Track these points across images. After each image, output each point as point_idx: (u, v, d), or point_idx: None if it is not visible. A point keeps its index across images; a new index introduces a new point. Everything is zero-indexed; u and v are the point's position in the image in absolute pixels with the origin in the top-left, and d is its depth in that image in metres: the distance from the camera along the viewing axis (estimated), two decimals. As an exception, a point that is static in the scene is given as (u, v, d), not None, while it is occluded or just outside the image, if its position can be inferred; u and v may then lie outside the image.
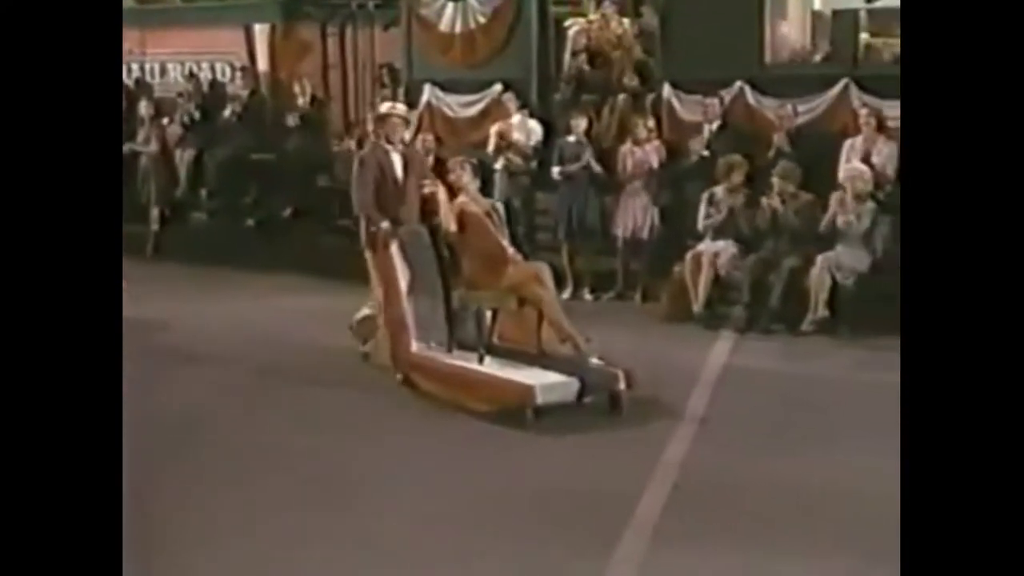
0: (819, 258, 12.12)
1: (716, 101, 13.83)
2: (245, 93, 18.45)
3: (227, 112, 18.23)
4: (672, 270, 13.00)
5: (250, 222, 17.43)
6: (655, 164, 13.82)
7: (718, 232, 12.92)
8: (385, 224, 10.43)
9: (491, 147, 14.80)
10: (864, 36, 14.04)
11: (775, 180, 12.66)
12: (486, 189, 10.95)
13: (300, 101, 17.77)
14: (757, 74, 14.14)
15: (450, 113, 16.20)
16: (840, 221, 12.21)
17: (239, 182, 17.66)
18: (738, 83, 14.07)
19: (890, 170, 12.63)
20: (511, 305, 10.06)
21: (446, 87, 16.25)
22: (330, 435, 8.94)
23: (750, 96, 14.04)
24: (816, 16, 15.04)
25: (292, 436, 8.92)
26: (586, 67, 15.25)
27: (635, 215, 13.83)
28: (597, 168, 14.02)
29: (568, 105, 15.09)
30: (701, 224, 13.07)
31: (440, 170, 11.26)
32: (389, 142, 10.79)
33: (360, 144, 16.44)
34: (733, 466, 8.13)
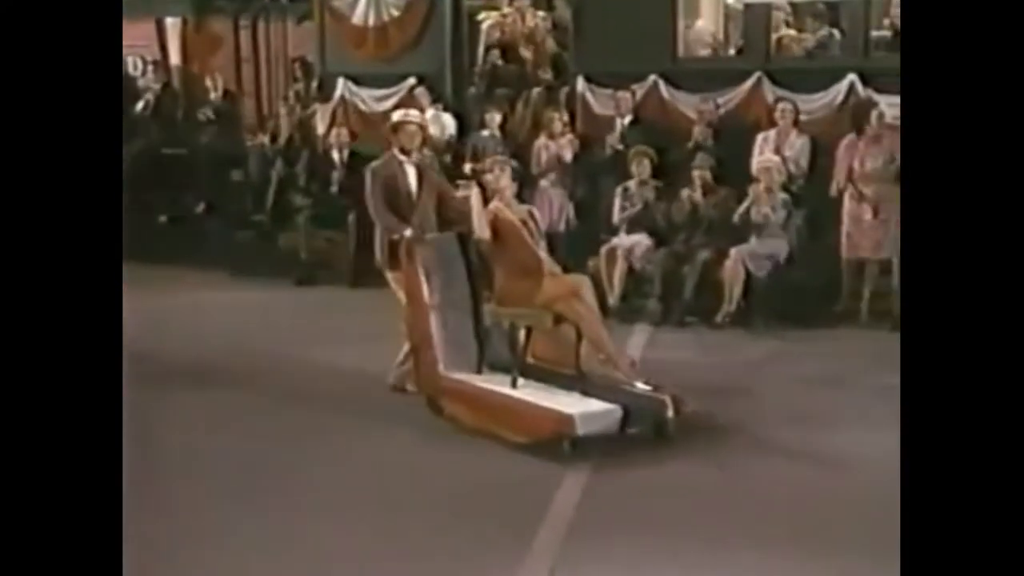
0: (732, 251, 12.19)
1: (628, 95, 13.88)
2: (157, 87, 18.30)
3: (139, 106, 18.07)
4: (587, 264, 13.04)
5: (163, 218, 17.26)
6: (568, 158, 13.84)
7: (633, 225, 12.97)
8: (409, 232, 9.43)
9: (403, 140, 14.76)
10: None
11: (695, 173, 12.72)
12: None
13: (213, 95, 17.66)
14: (670, 68, 14.21)
15: (364, 107, 16.15)
16: (754, 213, 12.29)
17: (151, 177, 17.48)
18: (651, 77, 14.13)
19: (803, 162, 12.76)
20: (546, 323, 9.08)
21: (360, 81, 16.20)
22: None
23: (663, 90, 14.11)
24: (729, 10, 15.16)
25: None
26: (499, 61, 15.26)
27: (550, 209, 13.83)
28: (512, 163, 13.99)
29: (482, 99, 15.10)
30: (616, 218, 13.12)
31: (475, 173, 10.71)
32: (404, 152, 9.83)
33: (275, 139, 16.40)
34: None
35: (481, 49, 15.52)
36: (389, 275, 9.75)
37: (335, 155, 14.91)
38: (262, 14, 18.53)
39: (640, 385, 8.79)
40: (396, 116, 10.18)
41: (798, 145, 12.82)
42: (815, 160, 12.83)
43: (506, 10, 15.48)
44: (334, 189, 14.87)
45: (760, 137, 13.02)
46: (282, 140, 16.57)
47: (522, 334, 9.32)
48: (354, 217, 14.54)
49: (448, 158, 14.59)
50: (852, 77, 13.28)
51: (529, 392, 8.81)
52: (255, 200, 16.33)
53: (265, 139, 16.78)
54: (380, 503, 7.45)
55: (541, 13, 15.45)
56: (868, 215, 12.19)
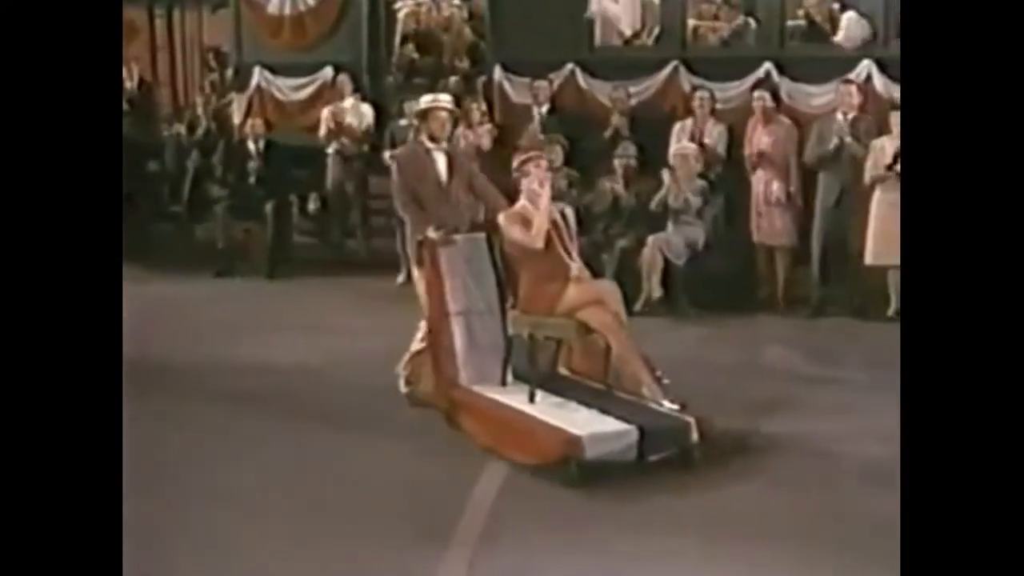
0: (650, 238, 12.23)
1: (546, 84, 13.89)
2: (70, 77, 18.07)
3: (52, 96, 17.84)
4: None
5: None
6: (486, 147, 13.81)
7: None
8: (432, 232, 8.82)
9: (322, 131, 14.72)
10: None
11: (617, 163, 12.76)
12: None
13: (128, 85, 17.45)
14: (587, 57, 14.23)
15: (281, 96, 16.06)
16: (672, 201, 12.34)
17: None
18: (569, 65, 14.15)
19: (720, 150, 12.83)
20: (569, 333, 8.45)
21: (276, 70, 16.10)
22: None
23: (580, 78, 14.13)
24: (646, -1, 15.21)
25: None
26: (415, 54, 15.25)
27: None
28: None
29: (400, 88, 15.06)
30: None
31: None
32: (433, 140, 9.18)
33: (192, 129, 16.26)
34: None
35: (398, 38, 15.48)
36: (416, 272, 9.20)
37: (251, 145, 14.77)
38: (177, 3, 18.37)
39: (667, 404, 8.02)
40: (424, 102, 9.44)
41: (715, 133, 12.89)
42: (732, 148, 12.90)
43: (423, -1, 15.46)
44: (252, 180, 14.73)
45: (677, 126, 13.07)
46: (199, 130, 16.43)
47: (554, 344, 8.77)
48: (271, 207, 14.49)
49: (367, 147, 14.53)
50: (768, 66, 13.37)
51: (545, 408, 8.16)
52: (172, 191, 16.19)
53: (181, 129, 16.62)
54: (298, 501, 7.35)
55: (457, 2, 15.50)
56: (766, 198, 12.30)
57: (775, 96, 12.65)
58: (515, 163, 8.93)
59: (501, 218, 8.65)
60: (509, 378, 8.74)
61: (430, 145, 9.16)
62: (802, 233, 12.36)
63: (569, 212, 9.14)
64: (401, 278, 13.87)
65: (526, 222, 8.50)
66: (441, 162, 9.15)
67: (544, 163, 8.91)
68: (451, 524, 6.85)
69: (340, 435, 8.52)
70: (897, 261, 11.19)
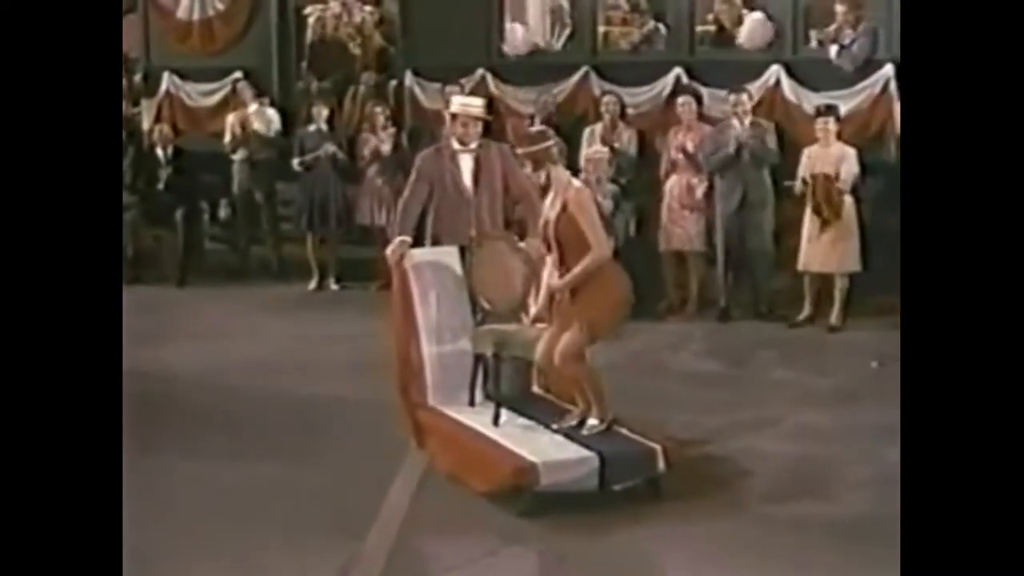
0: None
1: (456, 89, 13.85)
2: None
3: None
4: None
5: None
6: (387, 151, 13.64)
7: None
8: (399, 239, 8.39)
9: (227, 138, 14.59)
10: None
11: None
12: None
13: (34, 91, 17.20)
14: (498, 62, 14.25)
15: (189, 102, 15.92)
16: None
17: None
18: (479, 71, 14.14)
19: (631, 154, 12.84)
20: (529, 352, 7.78)
21: (185, 75, 15.95)
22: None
23: (491, 84, 14.13)
24: (556, 4, 15.20)
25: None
26: (326, 56, 15.16)
27: (375, 201, 13.70)
28: (341, 156, 13.87)
29: (309, 94, 14.98)
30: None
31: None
32: (462, 143, 8.65)
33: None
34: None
35: (308, 43, 15.40)
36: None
37: (160, 152, 14.59)
38: (83, 7, 18.13)
39: (625, 432, 7.53)
40: (456, 105, 8.94)
41: (626, 137, 12.90)
42: (643, 153, 12.92)
43: (333, 4, 15.34)
44: (161, 186, 14.53)
45: (588, 130, 13.07)
46: (107, 136, 16.20)
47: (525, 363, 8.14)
48: (181, 214, 14.34)
49: (275, 154, 14.41)
50: (678, 71, 13.42)
51: (508, 432, 7.68)
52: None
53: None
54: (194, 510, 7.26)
55: (368, 8, 15.36)
56: (676, 204, 12.31)
57: (699, 101, 12.63)
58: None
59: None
60: (478, 398, 8.27)
61: (457, 147, 8.67)
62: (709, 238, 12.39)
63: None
64: (312, 285, 13.85)
65: None
66: (467, 166, 8.65)
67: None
68: (360, 538, 6.79)
69: (246, 442, 8.45)
70: (827, 268, 11.51)
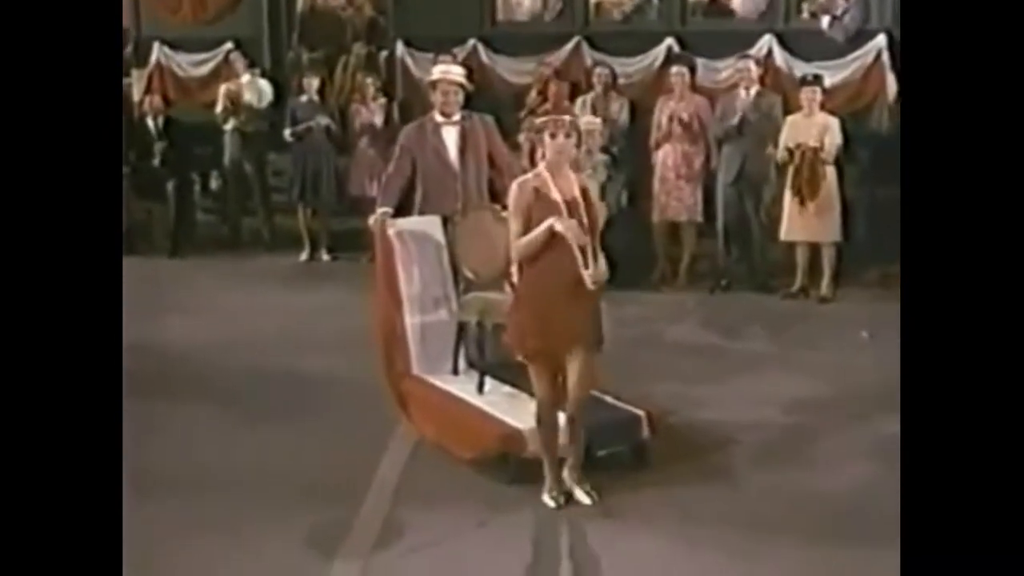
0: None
1: (448, 59, 13.80)
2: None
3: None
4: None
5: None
6: (378, 123, 13.63)
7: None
8: (381, 210, 8.32)
9: (218, 108, 14.54)
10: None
11: (522, 138, 12.60)
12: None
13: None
14: (489, 32, 14.22)
15: (180, 73, 15.87)
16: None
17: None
18: (471, 41, 14.12)
19: (622, 124, 12.82)
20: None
21: (176, 45, 15.89)
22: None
23: (483, 54, 14.10)
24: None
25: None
26: (317, 26, 15.13)
27: (368, 171, 13.68)
28: (334, 127, 13.83)
29: (300, 64, 14.95)
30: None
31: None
32: (444, 114, 8.58)
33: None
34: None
35: (299, 13, 15.36)
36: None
37: (150, 123, 14.55)
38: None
39: (609, 400, 7.55)
40: (436, 72, 8.83)
41: (615, 107, 12.88)
42: (635, 123, 12.90)
43: (325, -27, 15.32)
44: (155, 161, 14.46)
45: (579, 100, 13.07)
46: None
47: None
48: (173, 186, 14.32)
49: (267, 124, 14.38)
50: (669, 41, 13.42)
51: (493, 399, 7.72)
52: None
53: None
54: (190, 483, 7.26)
55: (358, -23, 15.33)
56: (672, 175, 12.26)
57: (692, 71, 12.57)
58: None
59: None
60: (462, 366, 8.31)
61: (440, 120, 8.57)
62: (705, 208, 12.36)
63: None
64: (303, 256, 13.85)
65: None
66: (451, 138, 8.57)
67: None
68: (352, 510, 6.81)
69: (240, 415, 8.47)
70: (809, 238, 11.50)
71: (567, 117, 6.85)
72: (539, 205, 6.63)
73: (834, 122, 11.51)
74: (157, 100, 14.79)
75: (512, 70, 14.07)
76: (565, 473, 6.86)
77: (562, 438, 6.83)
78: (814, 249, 11.71)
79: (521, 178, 6.81)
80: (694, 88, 12.41)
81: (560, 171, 6.68)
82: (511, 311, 7.02)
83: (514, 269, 7.55)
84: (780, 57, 13.00)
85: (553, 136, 6.60)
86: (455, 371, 8.27)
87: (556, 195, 6.62)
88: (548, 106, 6.43)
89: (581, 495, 6.80)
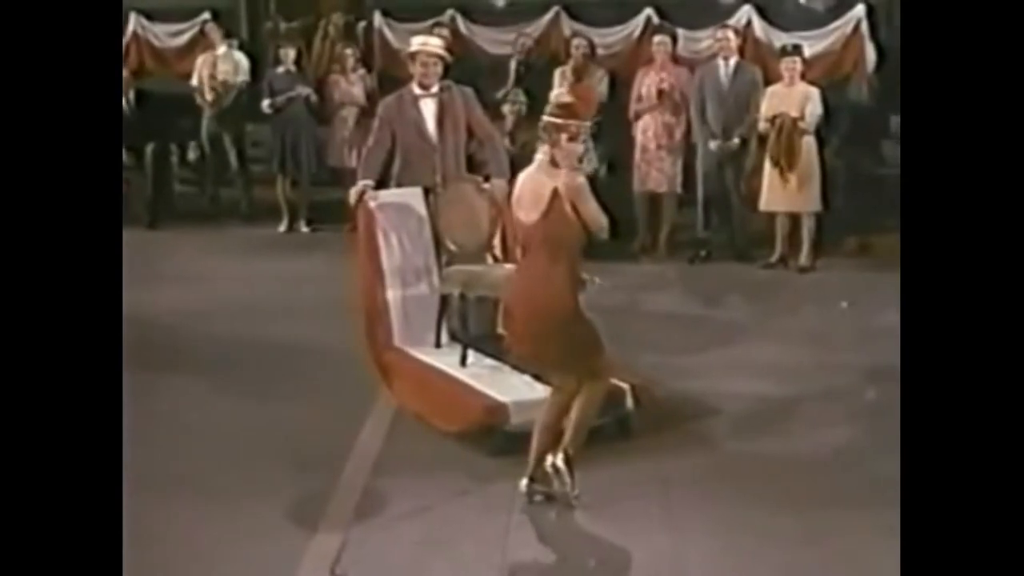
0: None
1: (425, 28, 13.78)
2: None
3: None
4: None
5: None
6: (358, 93, 13.60)
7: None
8: (364, 182, 8.26)
9: (194, 80, 14.44)
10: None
11: (506, 108, 12.56)
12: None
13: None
14: (467, 2, 14.19)
15: (157, 43, 15.83)
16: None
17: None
18: (449, 11, 14.09)
19: (601, 94, 12.77)
20: (499, 290, 7.28)
21: (152, 16, 15.83)
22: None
23: (461, 24, 14.07)
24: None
25: None
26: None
27: (351, 145, 13.65)
28: (314, 97, 13.76)
29: (276, 35, 14.90)
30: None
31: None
32: (423, 86, 8.50)
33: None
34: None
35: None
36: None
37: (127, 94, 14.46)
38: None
39: None
40: (415, 44, 8.78)
41: (596, 78, 12.85)
42: (614, 94, 12.87)
43: (301, -57, 15.26)
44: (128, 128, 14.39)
45: (558, 71, 13.02)
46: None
47: (491, 303, 7.80)
48: (151, 156, 14.25)
49: (244, 95, 14.31)
50: (649, 11, 13.40)
51: (476, 372, 7.72)
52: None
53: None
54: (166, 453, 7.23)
55: (335, -53, 15.28)
56: (652, 145, 12.23)
57: (675, 41, 12.51)
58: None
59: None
60: (444, 339, 8.29)
61: (419, 92, 8.50)
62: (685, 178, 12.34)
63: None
64: (283, 227, 13.81)
65: None
66: (429, 111, 8.49)
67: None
68: (333, 479, 6.81)
69: (220, 385, 8.44)
70: (789, 208, 11.50)
71: (589, 123, 6.72)
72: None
73: (815, 92, 11.51)
74: (135, 70, 14.70)
75: (490, 40, 14.02)
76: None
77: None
78: (794, 219, 11.72)
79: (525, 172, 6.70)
80: (675, 59, 12.38)
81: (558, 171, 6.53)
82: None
83: (496, 242, 7.58)
84: (760, 27, 12.99)
85: (572, 139, 6.55)
86: (438, 344, 8.25)
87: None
88: (577, 107, 6.22)
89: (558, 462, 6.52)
